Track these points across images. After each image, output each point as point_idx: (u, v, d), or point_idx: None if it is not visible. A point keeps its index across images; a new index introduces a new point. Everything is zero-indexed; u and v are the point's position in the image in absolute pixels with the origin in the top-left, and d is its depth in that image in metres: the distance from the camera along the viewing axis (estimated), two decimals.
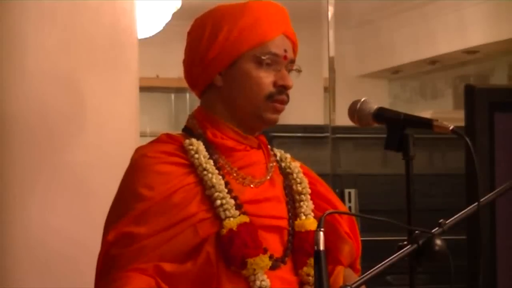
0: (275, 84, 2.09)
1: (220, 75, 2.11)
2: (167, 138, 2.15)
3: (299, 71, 2.16)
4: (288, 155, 2.25)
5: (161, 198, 2.01)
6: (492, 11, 6.10)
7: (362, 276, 1.67)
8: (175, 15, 4.95)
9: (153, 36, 4.90)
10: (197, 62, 2.14)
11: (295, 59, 2.17)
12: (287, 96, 2.12)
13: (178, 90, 7.31)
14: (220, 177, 2.05)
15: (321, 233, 1.62)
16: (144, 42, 3.85)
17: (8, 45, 3.05)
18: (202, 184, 2.04)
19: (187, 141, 2.10)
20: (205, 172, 2.05)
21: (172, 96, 7.49)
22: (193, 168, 2.06)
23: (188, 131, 2.16)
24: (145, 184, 2.03)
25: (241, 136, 2.13)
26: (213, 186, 2.03)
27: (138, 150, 2.15)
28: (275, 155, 2.22)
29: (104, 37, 3.13)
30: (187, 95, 7.34)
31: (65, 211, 3.03)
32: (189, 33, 2.18)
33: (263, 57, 2.08)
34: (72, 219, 3.03)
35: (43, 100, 3.03)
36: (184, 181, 2.04)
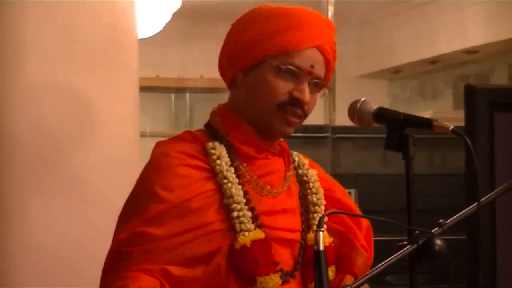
0: (290, 94, 2.02)
1: (243, 73, 2.07)
2: (189, 137, 2.10)
3: (330, 90, 2.10)
4: (306, 161, 2.20)
5: (179, 202, 1.97)
6: (492, 11, 6.10)
7: (362, 276, 1.67)
8: (175, 15, 4.95)
9: (153, 36, 4.90)
10: (226, 54, 2.11)
11: (326, 77, 2.09)
12: (303, 111, 2.04)
13: (178, 90, 7.30)
14: (240, 186, 2.02)
15: (321, 233, 1.62)
16: (144, 42, 3.85)
17: (7, 45, 3.05)
18: (221, 191, 2.01)
19: (209, 144, 2.06)
20: (225, 181, 2.01)
21: (172, 96, 7.48)
22: (214, 173, 2.02)
23: (211, 130, 2.12)
24: (164, 185, 1.99)
25: (262, 142, 2.09)
26: (231, 196, 2.00)
27: (160, 146, 2.09)
28: (293, 160, 2.18)
29: (104, 37, 3.13)
30: (187, 95, 7.33)
31: (65, 212, 3.03)
32: (231, 25, 2.13)
33: (282, 67, 2.01)
34: (72, 220, 3.03)
35: (43, 100, 3.03)
36: (204, 187, 2.01)
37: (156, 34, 4.94)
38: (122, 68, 3.19)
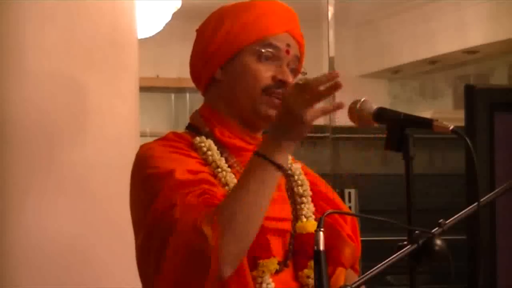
0: (273, 78, 2.07)
1: (221, 69, 2.11)
2: (175, 136, 2.13)
3: (304, 73, 2.15)
4: (289, 156, 2.23)
5: (186, 169, 1.97)
6: (492, 11, 6.10)
7: (362, 276, 1.67)
8: (175, 15, 4.95)
9: (153, 36, 4.90)
10: (200, 55, 2.15)
11: (300, 58, 2.15)
12: None
13: (178, 90, 7.31)
14: (233, 175, 2.04)
15: (321, 233, 1.62)
16: (144, 42, 3.85)
17: (8, 45, 3.05)
18: (216, 180, 2.03)
19: (197, 138, 2.08)
20: (218, 169, 2.04)
21: (172, 96, 7.49)
22: (206, 163, 2.05)
23: (194, 129, 2.14)
24: (164, 166, 1.97)
25: (248, 135, 2.13)
26: (226, 184, 2.02)
27: (146, 145, 2.10)
28: None
29: (104, 37, 3.13)
30: (187, 95, 7.34)
31: (64, 212, 3.03)
32: (196, 31, 2.20)
33: (262, 50, 2.07)
34: (70, 220, 3.03)
35: (43, 100, 3.04)
36: (202, 168, 2.02)
37: (156, 34, 4.94)
38: (122, 68, 3.19)
